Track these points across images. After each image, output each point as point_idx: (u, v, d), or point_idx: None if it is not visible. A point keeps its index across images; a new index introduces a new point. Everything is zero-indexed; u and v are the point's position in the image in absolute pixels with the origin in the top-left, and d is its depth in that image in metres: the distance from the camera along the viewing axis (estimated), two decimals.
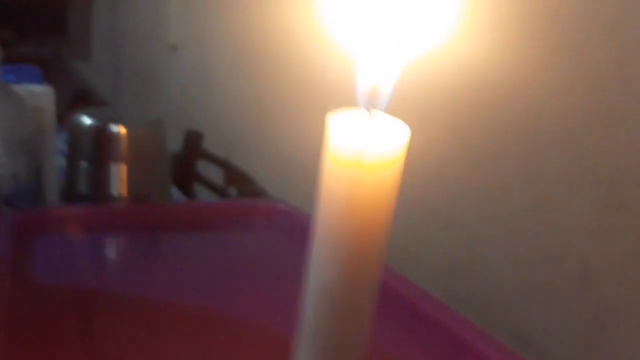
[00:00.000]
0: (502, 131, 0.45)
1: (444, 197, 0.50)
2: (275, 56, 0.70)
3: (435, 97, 0.49)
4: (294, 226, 0.48)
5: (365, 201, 0.17)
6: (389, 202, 0.18)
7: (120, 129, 0.54)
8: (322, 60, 0.44)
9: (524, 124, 0.43)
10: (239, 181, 0.76)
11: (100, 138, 0.54)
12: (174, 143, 0.82)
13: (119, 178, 0.55)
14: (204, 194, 0.81)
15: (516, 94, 0.44)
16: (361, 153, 0.16)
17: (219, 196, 0.77)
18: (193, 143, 0.82)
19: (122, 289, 0.41)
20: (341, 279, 0.19)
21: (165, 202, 0.59)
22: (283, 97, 0.70)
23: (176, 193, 0.76)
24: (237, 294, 0.41)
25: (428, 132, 0.49)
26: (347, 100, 0.18)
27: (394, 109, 0.17)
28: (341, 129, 0.17)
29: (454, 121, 0.48)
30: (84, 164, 0.55)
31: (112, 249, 0.48)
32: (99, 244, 0.47)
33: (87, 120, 0.55)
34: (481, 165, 0.47)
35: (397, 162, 0.17)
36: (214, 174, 0.80)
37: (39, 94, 0.58)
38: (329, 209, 0.18)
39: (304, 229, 0.20)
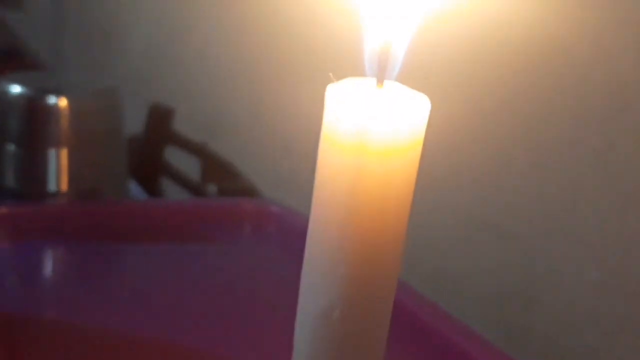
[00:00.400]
0: (565, 113, 0.45)
1: (491, 202, 0.50)
2: (272, 9, 0.71)
3: (462, 63, 0.49)
4: (289, 233, 0.49)
5: (371, 198, 0.18)
6: (403, 200, 0.18)
7: (61, 101, 0.55)
8: (330, 18, 0.44)
9: (596, 102, 0.44)
10: (220, 174, 0.77)
11: (34, 113, 0.55)
12: (134, 122, 0.83)
13: (59, 167, 0.56)
14: (173, 191, 0.82)
15: (575, 60, 0.44)
16: (366, 134, 0.17)
17: (194, 194, 0.78)
18: (159, 122, 0.83)
19: (60, 313, 0.41)
20: (342, 302, 0.20)
21: (120, 199, 0.60)
22: (281, 63, 0.70)
23: (136, 189, 0.77)
24: (216, 320, 0.41)
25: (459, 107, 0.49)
26: (356, 67, 0.19)
27: (409, 78, 0.17)
28: (341, 104, 0.17)
29: (489, 96, 0.49)
30: (11, 148, 0.56)
31: (47, 261, 0.49)
32: (31, 254, 0.48)
33: (16, 89, 0.56)
34: (540, 159, 0.47)
35: (413, 146, 0.18)
36: (188, 164, 0.81)
37: None
38: (325, 209, 0.19)
39: (302, 237, 0.21)
